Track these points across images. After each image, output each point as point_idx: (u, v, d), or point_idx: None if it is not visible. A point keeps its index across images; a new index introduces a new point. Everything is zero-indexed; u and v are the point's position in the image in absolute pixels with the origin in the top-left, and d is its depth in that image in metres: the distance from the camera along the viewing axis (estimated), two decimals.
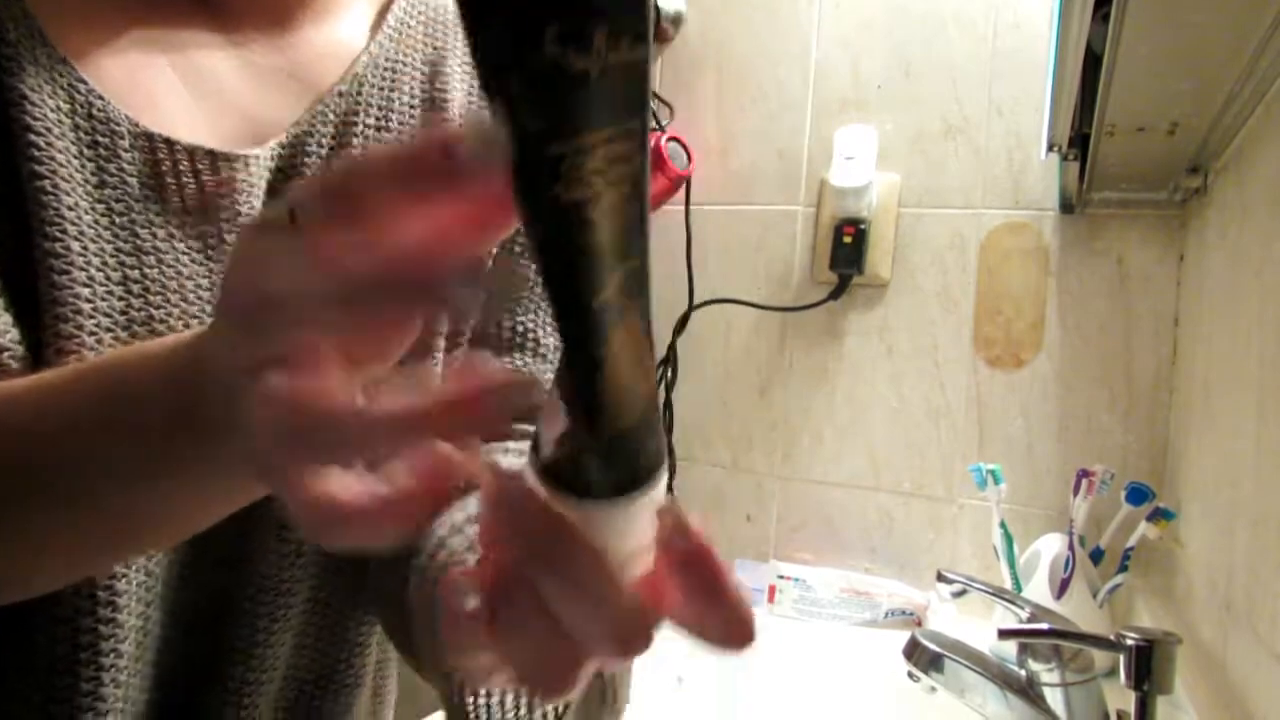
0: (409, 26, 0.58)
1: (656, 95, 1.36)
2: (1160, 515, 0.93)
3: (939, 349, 1.21)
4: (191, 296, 0.47)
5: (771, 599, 1.12)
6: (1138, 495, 0.95)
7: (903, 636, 0.67)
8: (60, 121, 0.44)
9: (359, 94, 0.55)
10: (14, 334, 0.42)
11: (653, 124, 1.33)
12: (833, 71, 1.28)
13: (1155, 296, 1.11)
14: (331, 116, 0.53)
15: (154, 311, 0.46)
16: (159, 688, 0.50)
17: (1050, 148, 0.90)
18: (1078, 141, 0.89)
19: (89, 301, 0.44)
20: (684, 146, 1.30)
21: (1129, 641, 0.56)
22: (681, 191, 1.32)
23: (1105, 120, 0.80)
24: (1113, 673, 0.57)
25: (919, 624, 1.09)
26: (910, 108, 1.23)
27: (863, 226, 1.22)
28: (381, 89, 0.56)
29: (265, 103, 0.52)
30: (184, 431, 0.32)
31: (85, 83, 0.45)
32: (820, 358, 1.27)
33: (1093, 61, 0.70)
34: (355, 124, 0.54)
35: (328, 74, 0.54)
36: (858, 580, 1.12)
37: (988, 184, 1.19)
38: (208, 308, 0.47)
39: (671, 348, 1.34)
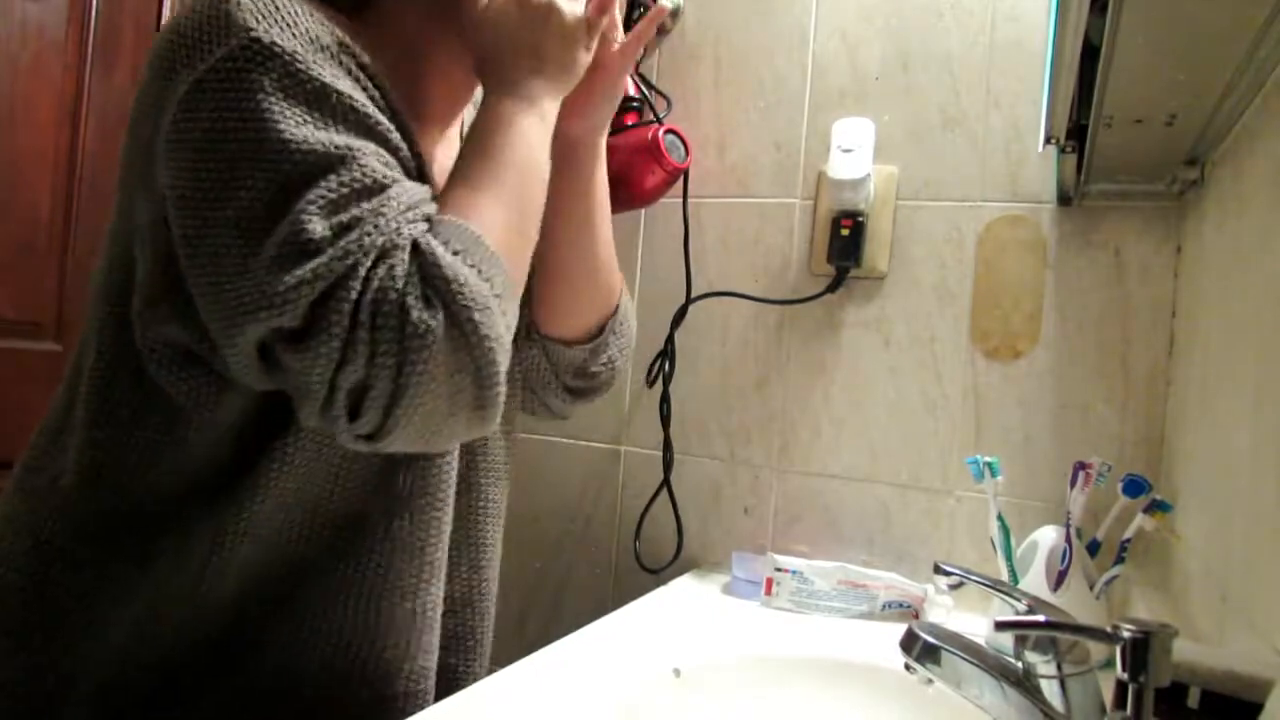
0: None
1: (654, 87, 1.35)
2: (1157, 507, 0.93)
3: (936, 341, 1.21)
4: None
5: (769, 591, 1.13)
6: (1135, 487, 0.95)
7: (900, 628, 0.67)
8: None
9: None
10: None
11: (650, 117, 1.32)
12: (830, 63, 1.27)
13: (1153, 288, 1.11)
14: None
15: None
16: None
17: (1048, 140, 0.90)
18: (1075, 133, 0.89)
19: None
20: (681, 139, 1.29)
21: (1125, 633, 0.56)
22: (679, 184, 1.32)
23: (1103, 112, 0.80)
24: (1109, 664, 0.57)
25: (916, 616, 1.09)
26: (908, 100, 1.23)
27: (860, 219, 1.22)
28: None
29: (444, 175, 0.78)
30: (511, 93, 0.72)
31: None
32: (818, 350, 1.27)
33: (1090, 53, 0.70)
34: None
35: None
36: (855, 572, 1.12)
37: (985, 176, 1.19)
38: None
39: (669, 340, 1.34)
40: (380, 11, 0.76)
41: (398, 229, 0.60)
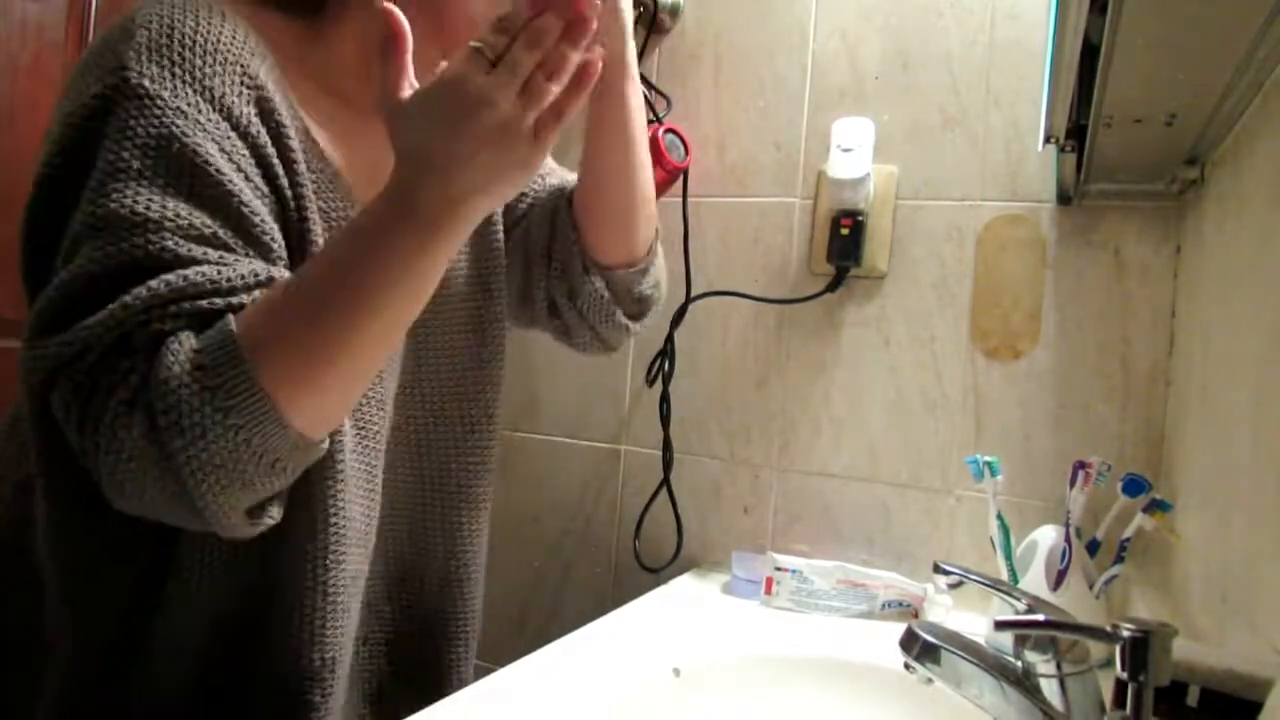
0: None
1: (654, 87, 1.35)
2: (1157, 506, 0.93)
3: (936, 341, 1.21)
4: None
5: (769, 590, 1.13)
6: (1134, 486, 0.95)
7: (899, 628, 0.67)
8: (317, 184, 0.70)
9: None
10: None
11: (650, 116, 1.32)
12: (830, 63, 1.27)
13: (1152, 288, 1.11)
14: None
15: None
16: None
17: (1047, 139, 0.90)
18: (1075, 133, 0.89)
19: None
20: (681, 138, 1.29)
21: (1124, 632, 0.56)
22: (679, 184, 1.32)
23: (1102, 111, 0.80)
24: (1109, 664, 0.57)
25: (916, 615, 1.09)
26: (908, 99, 1.23)
27: (860, 218, 1.22)
28: None
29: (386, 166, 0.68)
30: (396, 208, 0.59)
31: (334, 166, 0.72)
32: (817, 350, 1.27)
33: (1090, 52, 0.70)
34: None
35: None
36: (855, 572, 1.12)
37: (985, 175, 1.19)
38: None
39: (669, 340, 1.34)
40: (336, 9, 0.75)
41: (144, 323, 0.56)
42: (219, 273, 0.58)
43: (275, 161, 0.66)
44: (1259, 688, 0.56)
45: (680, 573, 1.28)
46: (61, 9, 1.51)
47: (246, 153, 0.64)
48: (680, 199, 1.33)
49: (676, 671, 0.87)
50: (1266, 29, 0.62)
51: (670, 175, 1.28)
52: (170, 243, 0.58)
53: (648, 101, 1.32)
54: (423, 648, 0.88)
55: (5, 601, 0.71)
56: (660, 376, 1.35)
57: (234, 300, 0.59)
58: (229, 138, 0.63)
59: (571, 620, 1.02)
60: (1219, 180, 0.93)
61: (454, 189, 0.59)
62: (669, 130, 1.27)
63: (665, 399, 1.34)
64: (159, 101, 0.60)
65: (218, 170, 0.61)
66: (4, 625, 0.71)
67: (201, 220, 0.59)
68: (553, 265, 0.92)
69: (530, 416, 1.44)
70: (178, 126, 0.60)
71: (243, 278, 0.59)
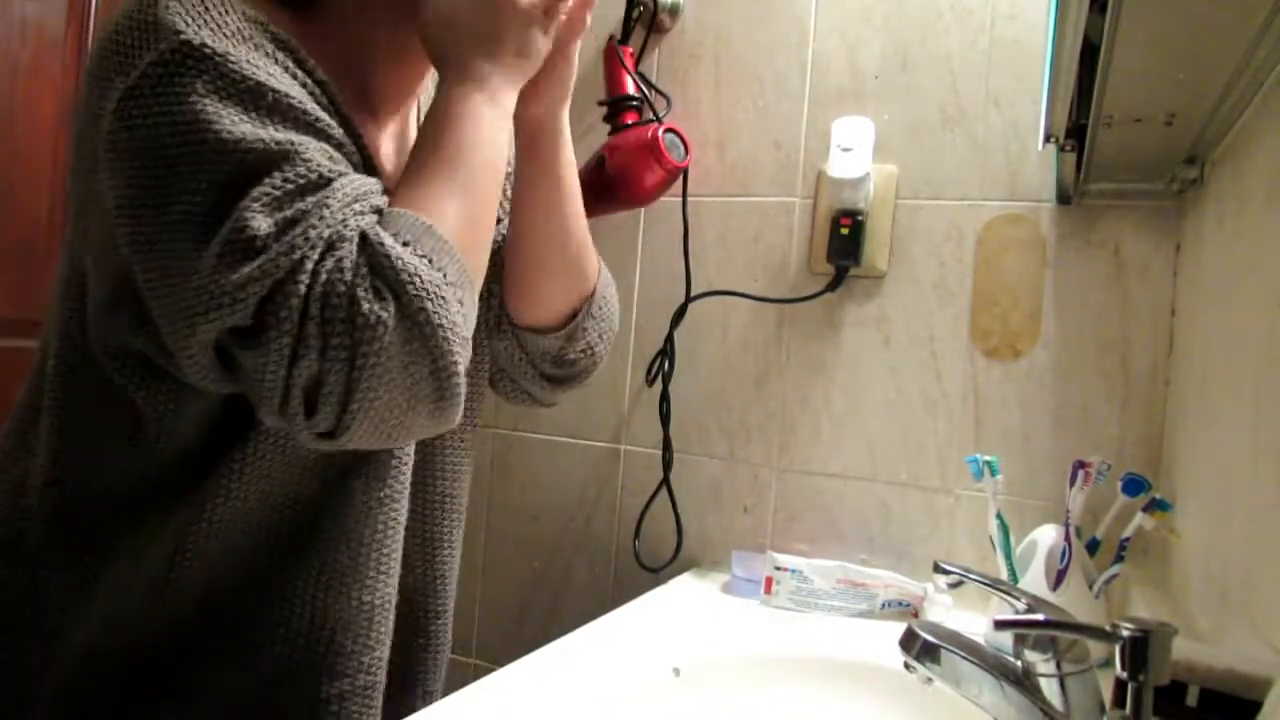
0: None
1: (654, 86, 1.35)
2: (1156, 506, 0.93)
3: (936, 340, 1.21)
4: None
5: (768, 590, 1.13)
6: (1134, 486, 0.95)
7: (899, 627, 0.67)
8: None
9: None
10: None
11: (650, 116, 1.32)
12: (830, 62, 1.27)
13: (1152, 287, 1.11)
14: None
15: None
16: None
17: (1047, 139, 0.90)
18: (1075, 132, 0.89)
19: None
20: (681, 138, 1.29)
21: (1124, 632, 0.56)
22: (679, 183, 1.32)
23: (1102, 111, 0.80)
24: (1109, 663, 0.57)
25: (915, 615, 1.10)
26: (907, 99, 1.23)
27: (860, 218, 1.22)
28: None
29: (398, 165, 0.81)
30: (463, 80, 0.70)
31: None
32: (817, 349, 1.27)
33: (1090, 52, 0.70)
34: None
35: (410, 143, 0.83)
36: (854, 571, 1.12)
37: (985, 175, 1.19)
38: None
39: (669, 339, 1.34)
40: (328, 6, 0.75)
41: (344, 221, 0.60)
42: (367, 179, 0.64)
43: (329, 108, 0.69)
44: (1259, 688, 0.56)
45: (680, 572, 1.28)
46: (61, 9, 1.51)
47: (307, 97, 0.66)
48: (680, 199, 1.33)
49: (676, 671, 0.87)
50: (1266, 29, 0.62)
51: (670, 175, 1.28)
52: (324, 158, 0.62)
53: (647, 101, 1.33)
54: (397, 651, 0.86)
55: (3, 592, 0.71)
56: (660, 376, 1.35)
57: (387, 200, 0.65)
58: (292, 84, 0.65)
59: (571, 620, 1.02)
60: (1218, 179, 0.93)
61: (495, 53, 0.70)
62: (669, 130, 1.27)
63: (665, 398, 1.34)
64: (230, 56, 0.62)
65: (309, 109, 0.65)
66: (5, 618, 0.71)
67: (323, 147, 0.64)
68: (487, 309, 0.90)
69: (530, 416, 1.44)
70: (257, 77, 0.62)
71: (378, 182, 0.66)
